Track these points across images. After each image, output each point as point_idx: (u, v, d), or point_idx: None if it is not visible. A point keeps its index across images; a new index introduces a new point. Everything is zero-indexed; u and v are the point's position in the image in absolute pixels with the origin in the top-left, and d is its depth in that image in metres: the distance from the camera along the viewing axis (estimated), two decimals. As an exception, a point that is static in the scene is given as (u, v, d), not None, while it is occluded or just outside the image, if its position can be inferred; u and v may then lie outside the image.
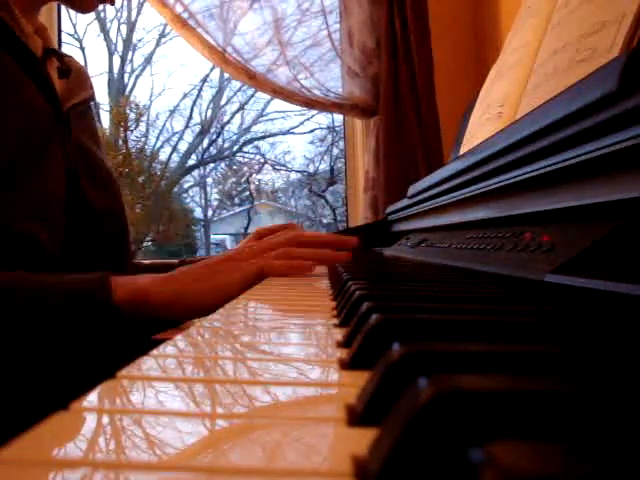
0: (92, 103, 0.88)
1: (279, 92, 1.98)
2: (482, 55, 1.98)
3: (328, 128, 5.69)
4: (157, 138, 5.63)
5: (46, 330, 0.55)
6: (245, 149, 6.00)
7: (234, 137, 5.93)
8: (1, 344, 0.54)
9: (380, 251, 1.30)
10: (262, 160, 5.95)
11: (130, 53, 5.75)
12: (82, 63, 0.90)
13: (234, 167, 6.05)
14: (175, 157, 5.78)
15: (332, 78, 2.03)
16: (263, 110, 5.92)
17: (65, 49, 0.88)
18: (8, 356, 0.55)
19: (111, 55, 5.65)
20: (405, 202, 1.23)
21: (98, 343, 0.57)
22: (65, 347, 0.57)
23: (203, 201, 6.02)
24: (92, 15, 5.42)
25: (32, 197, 0.65)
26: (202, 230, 5.99)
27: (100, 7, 0.86)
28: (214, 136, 5.90)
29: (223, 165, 6.09)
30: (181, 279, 0.62)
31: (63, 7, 2.16)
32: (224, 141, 5.95)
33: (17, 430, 0.16)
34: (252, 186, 5.96)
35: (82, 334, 0.56)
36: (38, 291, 0.55)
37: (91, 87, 0.86)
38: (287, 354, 0.29)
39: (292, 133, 5.92)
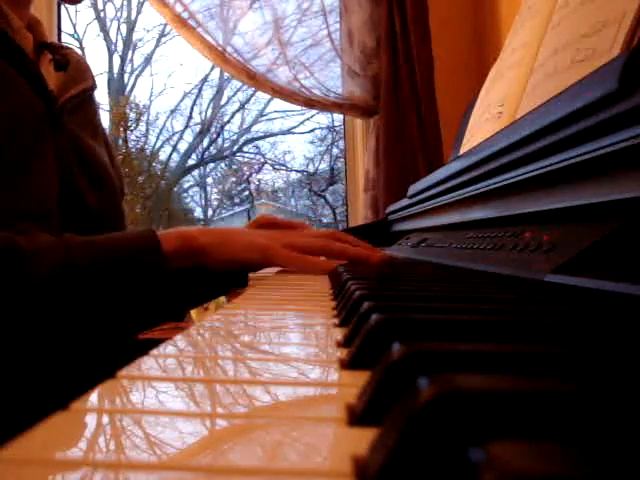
0: (93, 93, 0.86)
1: (279, 92, 1.98)
2: (482, 55, 1.98)
3: (328, 128, 5.69)
4: (157, 138, 5.62)
5: (105, 285, 0.58)
6: (245, 149, 6.00)
7: (234, 137, 5.93)
8: (59, 305, 0.56)
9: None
10: (262, 160, 5.94)
11: (130, 53, 5.74)
12: (72, 47, 0.88)
13: (234, 167, 6.05)
14: (175, 157, 5.77)
15: (332, 78, 2.03)
16: (263, 110, 5.92)
17: (48, 35, 0.88)
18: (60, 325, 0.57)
19: (111, 55, 5.64)
20: (405, 202, 1.23)
21: (149, 298, 0.62)
22: (121, 304, 0.60)
23: (203, 201, 6.02)
24: (92, 15, 5.41)
25: (25, 197, 0.65)
26: (202, 230, 5.97)
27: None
28: (214, 136, 5.89)
29: (223, 165, 6.09)
30: (222, 229, 0.71)
31: (63, 8, 2.16)
32: (224, 141, 5.95)
33: (17, 430, 0.16)
34: (252, 186, 5.96)
35: (136, 288, 0.60)
36: (90, 248, 0.58)
37: (91, 77, 0.84)
38: (287, 354, 0.29)
39: (292, 133, 5.92)
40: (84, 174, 0.74)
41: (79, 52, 0.87)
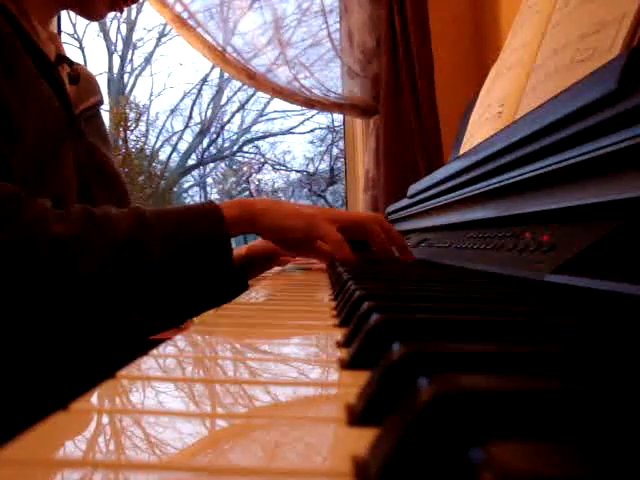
0: (100, 108, 0.90)
1: (279, 92, 1.98)
2: (482, 55, 1.98)
3: (328, 128, 5.68)
4: (157, 138, 5.62)
5: (175, 247, 0.62)
6: (245, 149, 5.99)
7: (234, 137, 5.92)
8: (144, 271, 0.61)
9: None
10: (262, 160, 5.94)
11: (130, 53, 5.74)
12: (81, 63, 0.92)
13: (234, 167, 6.04)
14: (175, 157, 5.77)
15: (332, 78, 2.03)
16: (263, 110, 5.91)
17: (64, 49, 0.92)
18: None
19: (111, 55, 5.64)
20: (405, 202, 1.23)
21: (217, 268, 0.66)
22: (190, 267, 0.64)
23: (203, 201, 6.00)
24: (92, 15, 5.40)
25: (49, 196, 0.67)
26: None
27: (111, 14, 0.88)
28: (214, 136, 5.89)
29: (223, 165, 6.08)
30: (277, 200, 0.80)
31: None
32: (224, 141, 5.94)
33: (17, 430, 0.16)
34: (252, 186, 5.95)
35: (203, 252, 0.64)
36: (160, 214, 0.63)
37: (99, 92, 0.89)
38: (287, 354, 0.29)
39: (292, 133, 5.91)
40: (98, 181, 0.78)
41: (79, 55, 0.90)
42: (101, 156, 0.80)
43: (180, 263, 0.62)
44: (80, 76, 0.83)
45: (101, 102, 0.88)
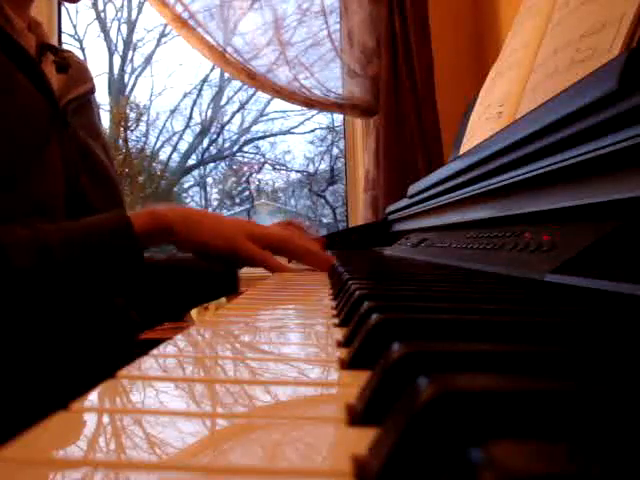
0: (93, 96, 0.87)
1: (279, 92, 1.98)
2: (482, 55, 1.98)
3: (328, 128, 5.67)
4: (157, 138, 5.61)
5: (82, 269, 0.61)
6: (245, 149, 5.99)
7: (234, 137, 5.92)
8: (40, 291, 0.59)
9: (380, 251, 1.30)
10: (262, 160, 5.93)
11: (130, 53, 5.73)
12: (72, 51, 0.90)
13: (234, 167, 6.03)
14: (175, 157, 5.76)
15: (332, 78, 2.03)
16: (263, 110, 5.90)
17: (48, 37, 0.90)
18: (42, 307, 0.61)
19: (111, 55, 5.63)
20: (405, 202, 1.23)
21: (124, 280, 0.65)
22: (100, 286, 0.64)
23: (203, 201, 6.00)
24: (92, 15, 5.40)
25: (32, 196, 0.66)
26: (202, 230, 5.96)
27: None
28: (214, 136, 5.88)
29: (223, 165, 6.07)
30: (194, 211, 0.74)
31: (63, 8, 2.16)
32: (224, 141, 5.93)
33: (17, 430, 0.16)
34: (252, 186, 5.95)
35: (111, 268, 0.63)
36: (66, 238, 0.61)
37: (91, 80, 0.85)
38: (287, 354, 0.29)
39: (292, 133, 5.90)
40: (87, 174, 0.75)
41: (79, 55, 0.88)
42: (88, 148, 0.78)
43: (87, 285, 0.62)
44: (69, 64, 0.80)
45: (92, 90, 0.85)
